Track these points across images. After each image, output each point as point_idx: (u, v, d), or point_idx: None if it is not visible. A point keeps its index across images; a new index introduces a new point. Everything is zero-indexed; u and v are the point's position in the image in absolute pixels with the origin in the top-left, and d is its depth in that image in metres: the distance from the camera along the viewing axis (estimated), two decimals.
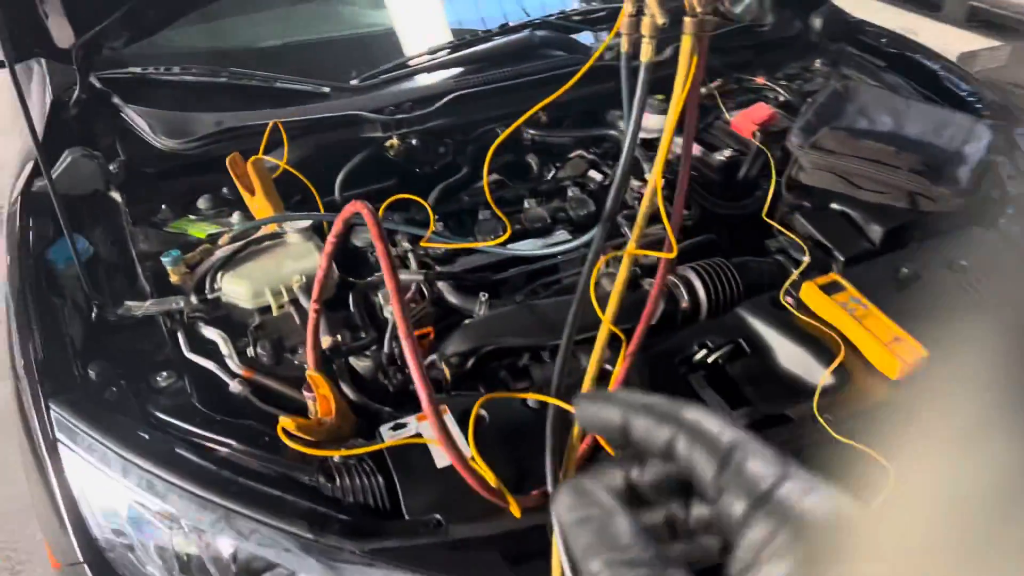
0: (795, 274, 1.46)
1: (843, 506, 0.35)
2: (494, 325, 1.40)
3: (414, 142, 1.81)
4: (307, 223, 1.54)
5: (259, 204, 1.57)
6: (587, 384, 1.15)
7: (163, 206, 1.66)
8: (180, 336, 1.39)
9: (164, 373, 1.35)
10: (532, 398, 1.20)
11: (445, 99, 1.83)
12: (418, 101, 1.84)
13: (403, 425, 1.22)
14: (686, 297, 1.48)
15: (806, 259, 1.56)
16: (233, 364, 1.38)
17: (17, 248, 1.50)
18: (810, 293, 1.41)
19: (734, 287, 1.50)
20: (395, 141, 1.80)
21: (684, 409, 0.40)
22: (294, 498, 1.15)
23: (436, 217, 1.63)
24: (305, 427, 1.19)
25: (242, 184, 1.55)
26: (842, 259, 1.57)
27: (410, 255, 1.54)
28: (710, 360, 1.36)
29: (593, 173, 1.80)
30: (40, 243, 1.52)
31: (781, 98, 2.08)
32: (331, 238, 1.22)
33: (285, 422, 1.17)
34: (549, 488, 1.10)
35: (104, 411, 1.26)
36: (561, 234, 1.62)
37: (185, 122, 1.77)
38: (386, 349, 1.37)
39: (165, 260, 1.45)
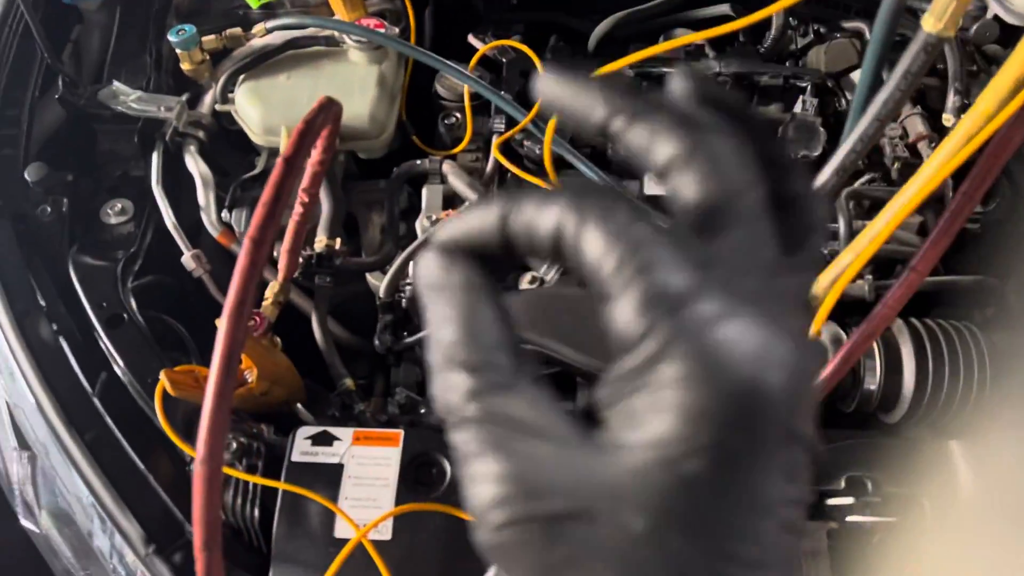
0: None
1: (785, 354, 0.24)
2: (544, 309, 0.89)
3: None
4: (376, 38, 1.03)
5: None
6: None
7: None
8: (155, 158, 1.01)
9: (120, 205, 1.00)
10: None
11: None
12: None
13: (327, 440, 0.82)
14: (879, 375, 0.88)
15: None
16: (208, 220, 1.00)
17: None
18: None
19: (972, 383, 0.87)
20: None
21: (578, 187, 0.26)
22: (156, 485, 0.82)
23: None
24: (195, 390, 0.82)
25: None
26: None
27: (494, 139, 1.01)
28: (853, 518, 0.80)
29: (858, 76, 1.08)
30: None
31: None
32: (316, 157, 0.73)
33: (165, 379, 0.80)
34: None
35: (15, 236, 0.95)
36: None
37: None
38: (382, 291, 0.92)
39: (172, 38, 1.03)
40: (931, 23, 0.49)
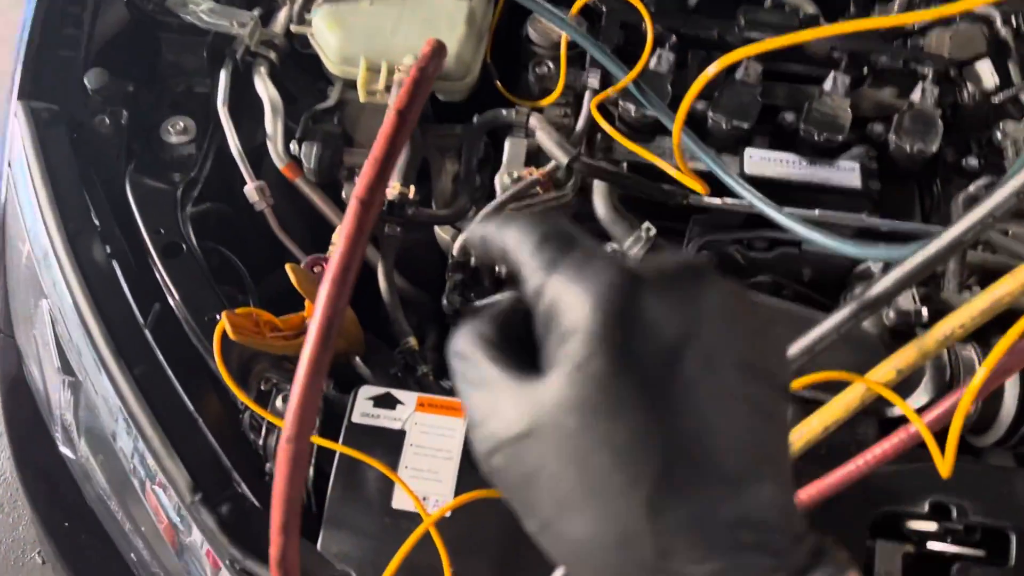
0: None
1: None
2: None
3: None
4: None
5: None
6: None
7: None
8: (223, 76, 0.95)
9: (182, 123, 0.94)
10: None
11: None
12: None
13: (390, 403, 0.77)
14: (980, 401, 0.82)
15: None
16: (274, 150, 0.94)
17: None
18: None
19: None
20: None
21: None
22: (207, 429, 0.78)
23: (669, 39, 0.97)
24: (255, 335, 0.77)
25: None
26: None
27: (588, 95, 0.94)
28: (933, 546, 0.75)
29: (984, 67, 0.99)
30: None
31: None
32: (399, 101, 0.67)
33: (226, 322, 0.75)
34: None
35: (71, 145, 0.89)
36: (847, 166, 0.93)
37: None
38: (455, 250, 0.86)
39: None
40: None
